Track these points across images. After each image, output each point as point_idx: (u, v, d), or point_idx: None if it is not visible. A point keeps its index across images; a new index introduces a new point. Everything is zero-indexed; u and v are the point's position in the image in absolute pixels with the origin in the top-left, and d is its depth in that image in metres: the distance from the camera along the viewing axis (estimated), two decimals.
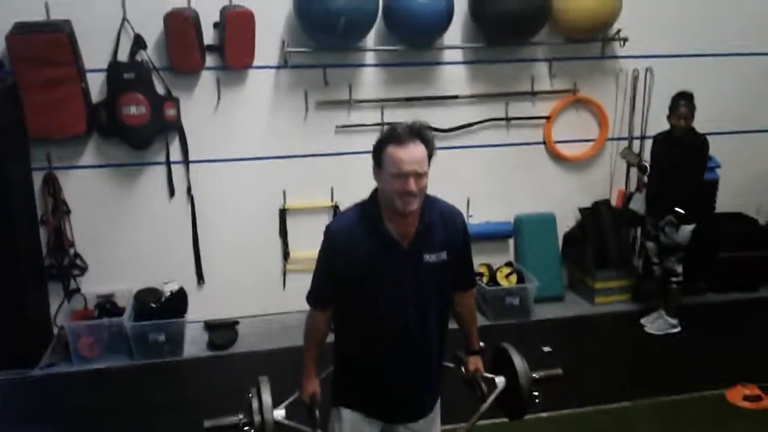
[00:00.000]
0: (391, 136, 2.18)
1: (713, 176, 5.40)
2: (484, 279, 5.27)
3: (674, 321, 4.91)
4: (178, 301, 4.80)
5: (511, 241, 5.54)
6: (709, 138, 5.32)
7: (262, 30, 4.59)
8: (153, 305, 4.69)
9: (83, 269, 4.79)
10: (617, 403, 4.01)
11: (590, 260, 5.40)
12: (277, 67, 4.79)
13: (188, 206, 4.88)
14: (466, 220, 2.48)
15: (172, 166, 4.78)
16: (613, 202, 5.48)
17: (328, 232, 2.32)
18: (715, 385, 4.14)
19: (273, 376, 4.22)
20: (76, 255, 4.76)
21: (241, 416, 2.36)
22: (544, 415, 3.87)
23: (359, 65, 4.89)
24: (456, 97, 5.10)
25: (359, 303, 2.32)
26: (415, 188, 2.15)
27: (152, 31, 4.50)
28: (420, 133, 2.18)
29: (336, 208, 5.07)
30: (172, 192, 4.83)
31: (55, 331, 4.78)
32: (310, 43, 4.70)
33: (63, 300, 4.78)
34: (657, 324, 4.95)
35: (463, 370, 2.62)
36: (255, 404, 2.34)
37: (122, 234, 4.83)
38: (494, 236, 5.45)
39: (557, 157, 5.43)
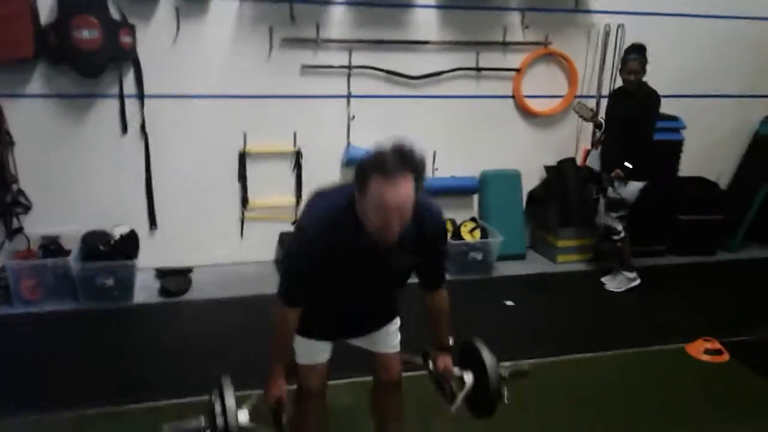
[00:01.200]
0: (379, 165, 1.98)
1: (678, 137, 5.40)
2: (448, 235, 5.16)
3: (632, 274, 4.90)
4: (129, 244, 4.54)
5: (475, 197, 5.44)
6: (676, 100, 5.34)
7: None
8: (102, 248, 4.43)
9: (27, 207, 4.48)
10: (579, 355, 3.96)
11: (553, 219, 5.35)
12: None
13: (142, 144, 4.60)
14: (444, 223, 2.41)
15: (126, 100, 4.49)
16: (579, 161, 5.43)
17: (305, 237, 2.21)
18: (676, 339, 4.13)
19: (226, 325, 4.15)
20: (20, 191, 4.44)
21: (202, 420, 2.21)
22: (506, 364, 3.80)
23: (328, 2, 4.67)
24: (426, 42, 4.93)
25: (324, 288, 2.27)
26: (398, 226, 2.02)
27: None
28: (411, 161, 2.00)
29: (298, 153, 4.88)
30: (124, 128, 4.54)
31: None
32: None
33: (4, 239, 4.47)
34: (616, 280, 4.93)
35: (431, 366, 2.57)
36: (218, 407, 2.17)
37: (70, 171, 4.53)
38: (459, 191, 5.35)
39: (525, 112, 5.33)
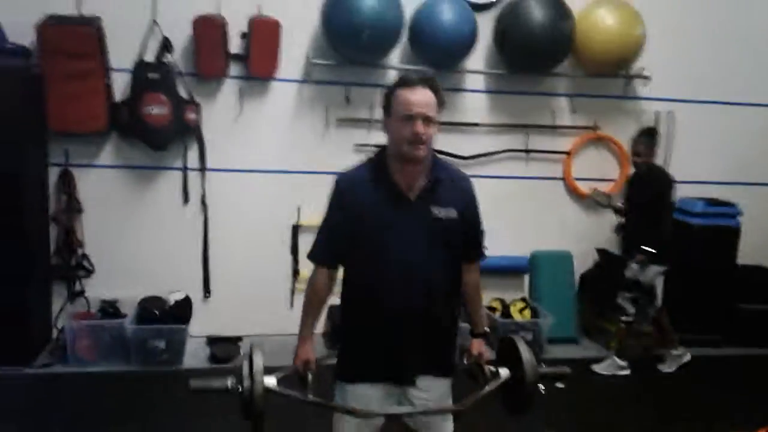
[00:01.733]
0: (401, 81, 2.22)
1: (734, 224, 5.29)
2: (497, 313, 5.13)
3: (623, 363, 4.72)
4: (183, 310, 4.68)
5: (526, 277, 5.42)
6: (732, 187, 5.28)
7: (287, 44, 4.69)
8: (156, 312, 4.58)
9: (89, 271, 4.72)
10: None
11: (607, 302, 5.25)
12: (301, 82, 4.83)
13: (201, 215, 4.84)
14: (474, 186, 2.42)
15: (189, 173, 4.76)
16: None
17: (337, 184, 2.32)
18: (737, 428, 3.89)
19: (271, 393, 4.14)
20: (84, 256, 4.70)
21: (230, 380, 2.19)
22: None
23: (381, 85, 4.90)
24: (476, 125, 5.10)
25: (365, 256, 2.28)
26: (424, 132, 2.15)
27: (180, 37, 4.58)
28: (430, 81, 2.21)
29: None
30: (186, 199, 4.79)
31: (55, 333, 4.66)
32: (334, 57, 4.74)
33: (66, 301, 4.69)
34: (605, 364, 4.78)
35: (465, 358, 2.48)
36: (245, 368, 2.16)
37: (132, 239, 4.77)
38: (509, 271, 5.34)
39: (576, 194, 5.37)
